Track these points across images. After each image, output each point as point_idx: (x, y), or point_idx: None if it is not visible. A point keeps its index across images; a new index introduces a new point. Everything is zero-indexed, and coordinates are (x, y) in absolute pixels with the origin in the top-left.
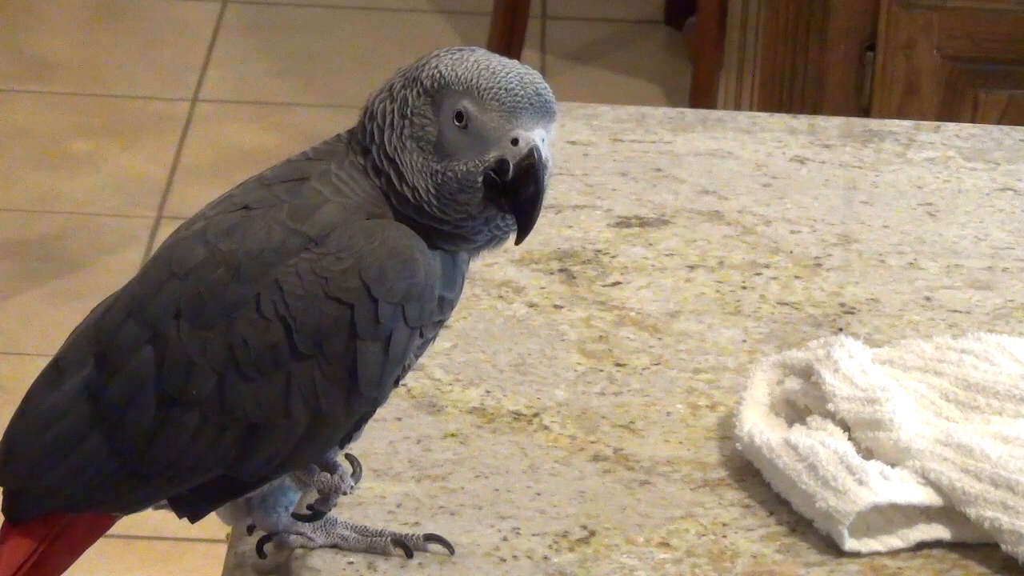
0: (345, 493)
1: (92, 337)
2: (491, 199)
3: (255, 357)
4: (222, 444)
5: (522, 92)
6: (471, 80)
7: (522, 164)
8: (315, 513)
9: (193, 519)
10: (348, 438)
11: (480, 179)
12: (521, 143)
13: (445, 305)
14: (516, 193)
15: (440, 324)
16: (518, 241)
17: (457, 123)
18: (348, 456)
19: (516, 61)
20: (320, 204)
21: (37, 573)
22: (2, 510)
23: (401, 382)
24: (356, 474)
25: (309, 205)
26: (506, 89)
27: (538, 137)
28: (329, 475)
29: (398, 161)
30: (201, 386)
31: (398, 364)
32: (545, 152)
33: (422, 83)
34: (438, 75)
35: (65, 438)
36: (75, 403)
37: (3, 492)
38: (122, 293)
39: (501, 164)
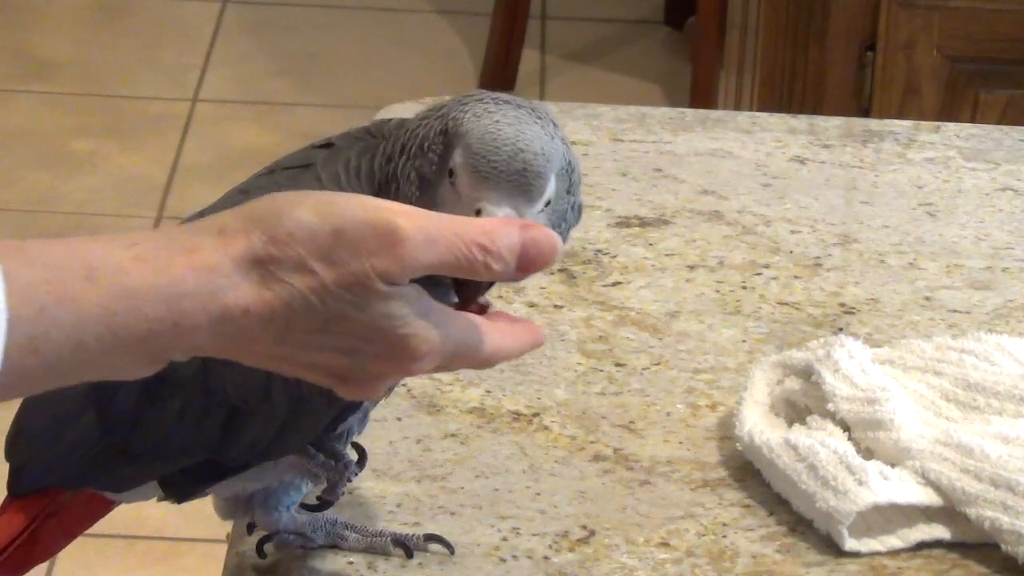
0: (349, 480)
1: None
2: None
3: None
4: (205, 428)
5: (503, 167)
6: (470, 138)
7: None
8: (323, 503)
9: (180, 500)
10: (334, 429)
11: None
12: (484, 216)
13: None
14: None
15: None
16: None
17: (449, 176)
18: (354, 444)
19: (538, 129)
20: None
21: (31, 548)
22: (7, 483)
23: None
24: (361, 462)
25: None
26: (487, 158)
27: (504, 215)
28: (334, 462)
29: (399, 185)
30: (184, 367)
31: None
32: None
33: (446, 123)
34: (457, 121)
35: (64, 416)
36: None
37: (9, 466)
38: None
39: None
